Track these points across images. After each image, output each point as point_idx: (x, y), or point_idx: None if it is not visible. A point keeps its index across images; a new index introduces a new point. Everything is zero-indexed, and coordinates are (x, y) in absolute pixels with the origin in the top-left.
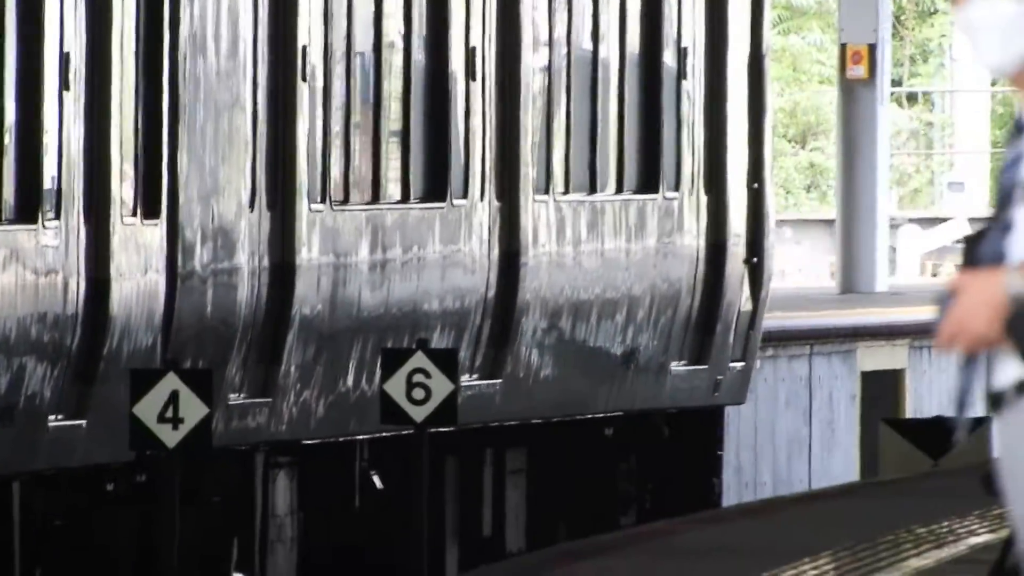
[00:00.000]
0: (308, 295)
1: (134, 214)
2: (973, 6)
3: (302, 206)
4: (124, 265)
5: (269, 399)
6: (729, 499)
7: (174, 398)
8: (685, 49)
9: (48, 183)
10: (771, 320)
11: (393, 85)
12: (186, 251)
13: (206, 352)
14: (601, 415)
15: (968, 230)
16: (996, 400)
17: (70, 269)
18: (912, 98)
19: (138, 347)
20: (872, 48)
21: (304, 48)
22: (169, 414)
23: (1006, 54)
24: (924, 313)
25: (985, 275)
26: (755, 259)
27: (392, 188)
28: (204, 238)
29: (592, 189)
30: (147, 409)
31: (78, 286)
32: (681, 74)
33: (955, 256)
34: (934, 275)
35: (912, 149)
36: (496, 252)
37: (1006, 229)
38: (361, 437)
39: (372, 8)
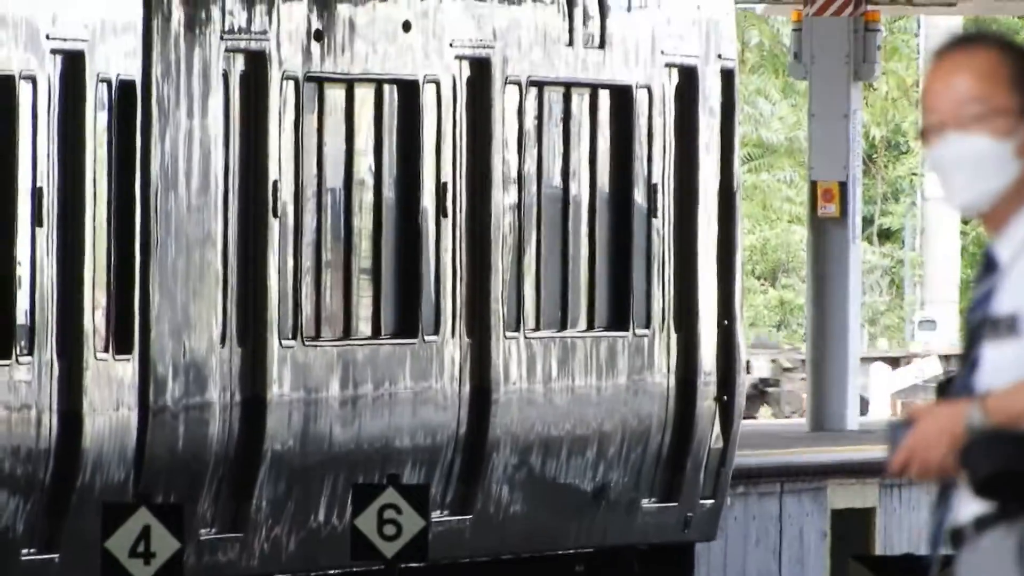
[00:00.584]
0: (279, 430)
1: (106, 349)
2: (943, 144)
3: (273, 341)
4: (96, 400)
5: (240, 534)
6: None
7: (146, 533)
8: (655, 186)
9: (21, 318)
10: (742, 457)
11: (364, 221)
12: (158, 386)
13: (178, 487)
14: (572, 551)
15: (939, 369)
16: (957, 537)
17: (43, 404)
18: (883, 236)
19: (110, 481)
20: (843, 186)
21: (275, 184)
22: (141, 548)
23: (976, 192)
24: None
25: (945, 406)
26: (725, 396)
27: (363, 324)
28: (176, 373)
29: (563, 326)
30: (119, 543)
31: (51, 420)
32: (651, 211)
33: (925, 395)
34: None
35: (884, 287)
36: (467, 388)
37: (974, 366)
38: (332, 573)
39: (343, 144)
